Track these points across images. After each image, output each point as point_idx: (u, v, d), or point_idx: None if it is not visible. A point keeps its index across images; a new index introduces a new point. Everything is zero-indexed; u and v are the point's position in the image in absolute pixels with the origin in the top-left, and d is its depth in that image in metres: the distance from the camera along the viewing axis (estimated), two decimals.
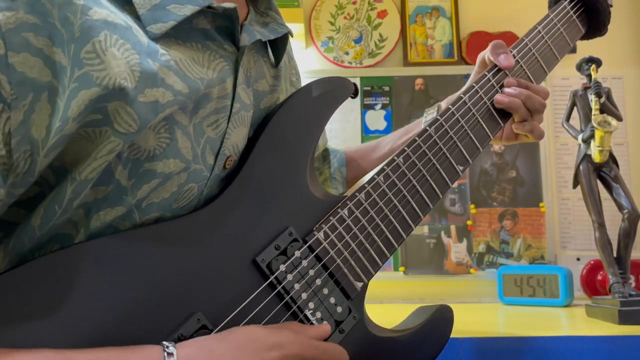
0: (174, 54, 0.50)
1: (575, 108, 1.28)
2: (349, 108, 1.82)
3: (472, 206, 1.77)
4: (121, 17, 0.47)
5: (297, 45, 1.84)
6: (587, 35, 0.86)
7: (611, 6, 0.84)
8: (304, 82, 0.75)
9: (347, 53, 1.86)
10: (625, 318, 1.00)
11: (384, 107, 1.83)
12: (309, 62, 1.86)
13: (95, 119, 0.44)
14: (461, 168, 0.68)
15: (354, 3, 1.89)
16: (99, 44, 0.44)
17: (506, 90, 0.72)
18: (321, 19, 1.88)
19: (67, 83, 0.42)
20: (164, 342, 0.44)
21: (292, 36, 0.66)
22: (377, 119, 1.82)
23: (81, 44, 0.43)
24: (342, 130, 1.81)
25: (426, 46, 1.87)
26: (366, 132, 1.82)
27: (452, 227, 1.76)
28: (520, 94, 0.72)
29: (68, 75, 0.42)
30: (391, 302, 1.69)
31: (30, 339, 0.42)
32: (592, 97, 1.22)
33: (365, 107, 1.83)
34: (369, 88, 1.84)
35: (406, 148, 0.65)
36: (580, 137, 1.25)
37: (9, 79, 0.40)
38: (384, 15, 1.88)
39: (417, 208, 0.64)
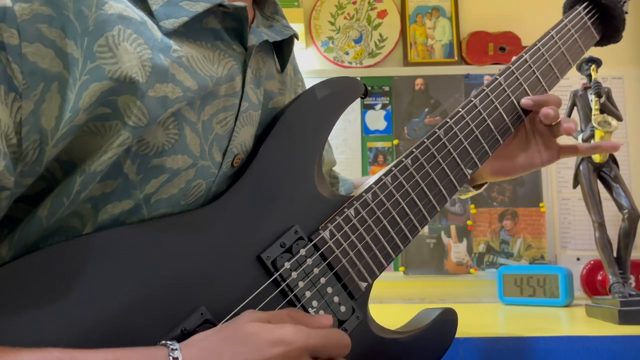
0: (186, 51, 0.51)
1: (575, 108, 1.29)
2: (349, 108, 1.81)
3: (472, 206, 1.77)
4: (136, 12, 0.48)
5: (297, 45, 1.83)
6: (601, 42, 0.85)
7: (626, 13, 0.84)
8: (306, 82, 0.75)
9: (347, 53, 1.86)
10: (625, 318, 1.00)
11: (384, 107, 1.83)
12: (309, 62, 1.86)
13: (105, 113, 0.44)
14: (470, 172, 0.68)
15: (354, 3, 1.89)
16: (112, 38, 0.44)
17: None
18: (321, 19, 1.88)
19: (79, 75, 0.43)
20: (169, 342, 0.44)
21: (297, 39, 0.66)
22: (377, 119, 1.83)
23: (94, 37, 0.44)
24: (342, 130, 1.81)
25: (426, 46, 1.87)
26: (366, 132, 1.82)
27: (452, 227, 1.77)
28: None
29: (80, 67, 0.43)
30: (391, 302, 1.69)
31: (34, 331, 0.42)
32: (592, 97, 1.22)
33: (365, 107, 1.83)
34: (369, 88, 1.84)
35: (414, 149, 0.65)
36: (580, 137, 1.25)
37: (22, 68, 0.41)
38: (384, 15, 1.88)
39: (424, 210, 0.64)
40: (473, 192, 0.85)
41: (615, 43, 0.86)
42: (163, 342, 0.44)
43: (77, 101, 0.43)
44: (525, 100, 0.73)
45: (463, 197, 0.86)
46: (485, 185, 0.85)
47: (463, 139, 0.68)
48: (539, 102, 0.73)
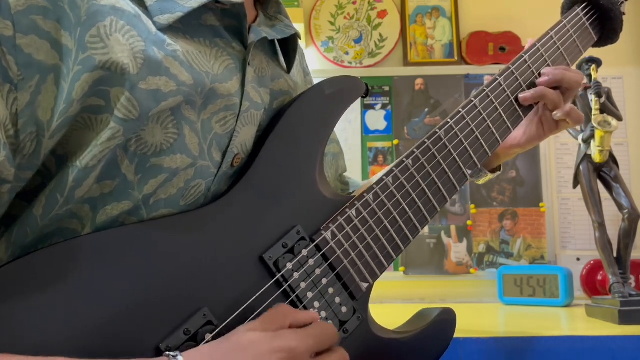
0: (182, 46, 0.50)
1: None
2: (350, 108, 1.81)
3: (472, 206, 1.77)
4: (130, 5, 0.48)
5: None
6: (599, 43, 0.86)
7: (624, 14, 0.84)
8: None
9: (347, 53, 1.86)
10: (625, 318, 1.00)
11: (384, 107, 1.83)
12: (309, 62, 1.84)
13: (98, 105, 0.44)
14: (470, 172, 0.68)
15: (354, 3, 1.89)
16: (104, 28, 0.44)
17: (544, 71, 0.75)
18: (321, 19, 1.88)
19: (72, 66, 0.43)
20: (169, 354, 0.44)
21: (300, 38, 0.66)
22: (377, 119, 1.83)
23: (87, 27, 0.44)
24: (342, 131, 1.81)
25: (426, 46, 1.87)
26: (366, 132, 1.82)
27: (452, 227, 1.77)
28: (557, 72, 0.74)
29: (73, 58, 0.43)
30: (391, 302, 1.69)
31: (34, 332, 0.42)
32: (592, 97, 1.22)
33: (366, 107, 1.83)
34: (369, 88, 1.83)
35: (415, 150, 0.65)
36: (580, 137, 1.25)
37: (16, 60, 0.41)
38: (384, 15, 1.88)
39: (424, 211, 0.64)
40: (490, 176, 0.86)
41: (612, 44, 0.86)
42: (165, 353, 0.44)
43: (70, 92, 0.43)
44: (523, 95, 0.74)
45: (480, 182, 0.87)
46: (499, 172, 0.87)
47: (463, 140, 0.68)
48: (538, 95, 0.74)
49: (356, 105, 1.82)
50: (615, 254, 1.18)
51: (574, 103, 1.29)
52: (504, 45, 1.82)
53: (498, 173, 0.87)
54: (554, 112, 0.76)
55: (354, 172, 1.79)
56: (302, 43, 1.85)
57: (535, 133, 0.81)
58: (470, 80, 1.83)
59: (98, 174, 0.46)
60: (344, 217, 0.59)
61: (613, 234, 1.18)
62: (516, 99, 0.74)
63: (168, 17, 0.50)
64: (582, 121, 0.78)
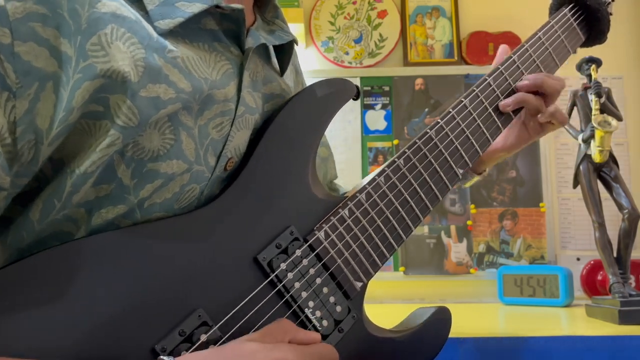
0: (182, 51, 0.50)
1: (575, 108, 1.29)
2: (349, 108, 1.82)
3: (472, 206, 1.77)
4: (131, 11, 0.48)
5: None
6: (587, 43, 0.87)
7: (611, 14, 0.84)
8: (306, 83, 0.75)
9: (347, 53, 1.86)
10: (625, 318, 1.00)
11: (384, 107, 1.83)
12: (309, 62, 1.86)
13: (97, 111, 0.44)
14: (461, 171, 0.68)
15: (354, 3, 1.89)
16: (104, 36, 0.44)
17: (523, 78, 0.75)
18: (321, 19, 1.88)
19: (72, 73, 0.43)
20: (163, 358, 0.44)
21: (297, 44, 0.66)
22: (377, 119, 1.83)
23: (87, 36, 0.44)
24: (342, 130, 1.81)
25: (426, 46, 1.87)
26: (366, 132, 1.82)
27: (452, 227, 1.76)
28: (538, 77, 0.74)
29: (73, 65, 0.43)
30: (391, 302, 1.69)
31: (29, 335, 0.42)
32: (592, 97, 1.22)
33: (365, 107, 1.83)
34: (369, 88, 1.84)
35: (407, 150, 0.65)
36: (580, 137, 1.25)
37: (15, 67, 0.41)
38: (384, 15, 1.88)
39: (417, 210, 0.64)
40: (476, 178, 0.86)
41: (600, 44, 0.87)
42: (159, 357, 0.45)
43: (71, 100, 0.43)
44: (504, 102, 0.73)
45: (467, 185, 0.88)
46: (485, 172, 0.87)
47: (454, 139, 0.68)
48: (518, 101, 0.74)
49: (356, 105, 1.83)
50: (615, 254, 1.17)
51: (574, 104, 1.28)
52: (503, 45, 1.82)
53: (484, 174, 0.88)
54: (538, 116, 0.77)
55: (354, 172, 1.79)
56: (302, 43, 1.85)
57: (518, 137, 0.81)
58: (470, 80, 1.83)
59: (95, 179, 0.46)
60: (337, 217, 0.59)
61: (613, 234, 1.18)
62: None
63: (169, 22, 0.50)
64: (567, 121, 0.78)
